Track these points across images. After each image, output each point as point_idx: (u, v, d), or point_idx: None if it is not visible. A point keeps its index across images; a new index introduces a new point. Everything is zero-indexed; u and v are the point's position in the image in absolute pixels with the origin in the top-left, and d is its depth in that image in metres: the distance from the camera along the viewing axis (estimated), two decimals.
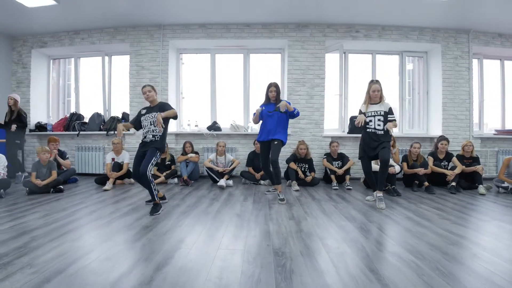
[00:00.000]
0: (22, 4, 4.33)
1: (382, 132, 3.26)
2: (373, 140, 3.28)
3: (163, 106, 3.10)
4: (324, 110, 5.31)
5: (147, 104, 3.34)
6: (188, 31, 5.33)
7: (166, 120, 3.06)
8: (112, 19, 5.15)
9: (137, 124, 3.20)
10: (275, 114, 3.41)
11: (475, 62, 5.60)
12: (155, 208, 2.86)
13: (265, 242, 2.05)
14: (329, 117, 5.46)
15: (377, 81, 3.33)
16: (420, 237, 2.16)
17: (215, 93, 5.77)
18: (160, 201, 3.10)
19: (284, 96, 5.35)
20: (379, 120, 3.27)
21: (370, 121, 3.30)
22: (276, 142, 3.36)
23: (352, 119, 5.46)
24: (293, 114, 3.43)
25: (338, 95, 5.41)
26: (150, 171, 2.88)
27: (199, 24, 5.30)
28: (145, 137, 3.07)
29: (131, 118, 5.37)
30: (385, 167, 3.16)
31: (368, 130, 3.34)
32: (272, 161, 3.33)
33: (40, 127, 5.76)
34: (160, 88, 5.30)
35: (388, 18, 4.98)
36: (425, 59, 5.67)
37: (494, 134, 5.47)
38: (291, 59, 5.28)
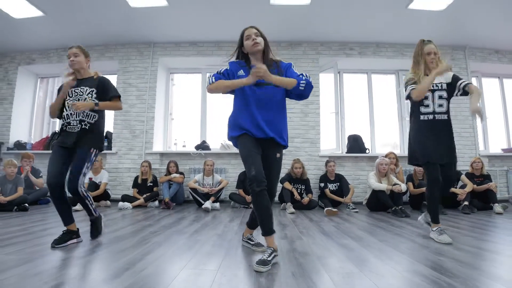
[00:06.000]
0: (9, 14, 4.18)
1: (446, 116, 2.18)
2: (433, 134, 2.14)
3: (104, 84, 2.05)
4: (320, 128, 5.01)
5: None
6: (179, 49, 5.22)
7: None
8: (102, 36, 5.03)
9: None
10: (269, 87, 1.74)
11: (473, 80, 5.45)
12: (95, 227, 2.06)
13: (245, 262, 1.59)
14: (326, 136, 5.14)
15: (430, 41, 2.24)
16: (442, 253, 1.72)
17: (206, 113, 5.49)
18: (73, 240, 1.93)
19: None
20: (440, 97, 2.16)
21: (426, 98, 2.16)
22: (278, 155, 1.80)
23: (351, 137, 5.14)
24: (298, 90, 1.69)
25: (334, 113, 5.15)
26: (83, 184, 1.98)
27: (190, 42, 5.20)
28: (68, 123, 1.99)
29: (114, 137, 5.01)
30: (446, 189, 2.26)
31: (423, 117, 2.18)
32: (270, 188, 1.71)
33: (19, 145, 5.39)
34: (147, 106, 5.02)
35: (382, 35, 4.90)
36: None
37: (503, 152, 5.13)
38: None
